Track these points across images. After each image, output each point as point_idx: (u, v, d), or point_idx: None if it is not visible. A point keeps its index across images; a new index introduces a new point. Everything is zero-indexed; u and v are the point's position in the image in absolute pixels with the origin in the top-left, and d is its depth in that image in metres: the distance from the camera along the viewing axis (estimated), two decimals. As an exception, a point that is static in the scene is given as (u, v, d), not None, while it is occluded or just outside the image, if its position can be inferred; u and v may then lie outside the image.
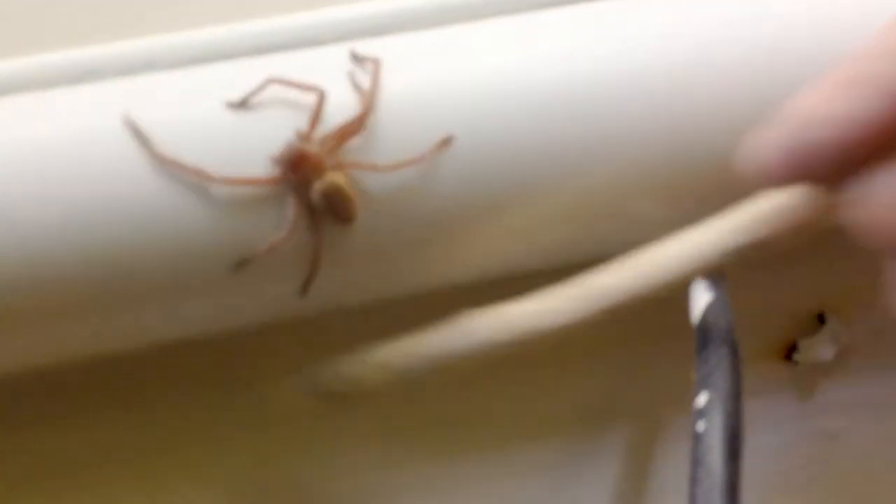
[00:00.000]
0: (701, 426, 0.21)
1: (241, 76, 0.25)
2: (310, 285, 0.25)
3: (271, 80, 0.24)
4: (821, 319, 0.31)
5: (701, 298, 0.25)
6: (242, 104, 0.24)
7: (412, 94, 0.25)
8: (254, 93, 0.24)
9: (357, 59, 0.25)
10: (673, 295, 0.22)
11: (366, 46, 0.26)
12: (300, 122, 0.24)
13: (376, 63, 0.25)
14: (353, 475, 0.31)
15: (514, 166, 0.25)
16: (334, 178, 0.23)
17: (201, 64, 0.27)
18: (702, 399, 0.22)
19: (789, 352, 0.32)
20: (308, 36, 0.29)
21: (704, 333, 0.23)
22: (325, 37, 0.29)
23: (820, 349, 0.30)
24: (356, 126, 0.24)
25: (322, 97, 0.24)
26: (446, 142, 0.24)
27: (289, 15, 0.29)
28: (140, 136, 0.23)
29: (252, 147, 0.24)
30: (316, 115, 0.24)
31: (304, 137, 0.24)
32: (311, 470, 0.31)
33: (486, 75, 0.25)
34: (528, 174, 0.25)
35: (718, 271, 0.25)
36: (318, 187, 0.23)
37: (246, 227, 0.24)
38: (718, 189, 0.25)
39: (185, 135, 0.24)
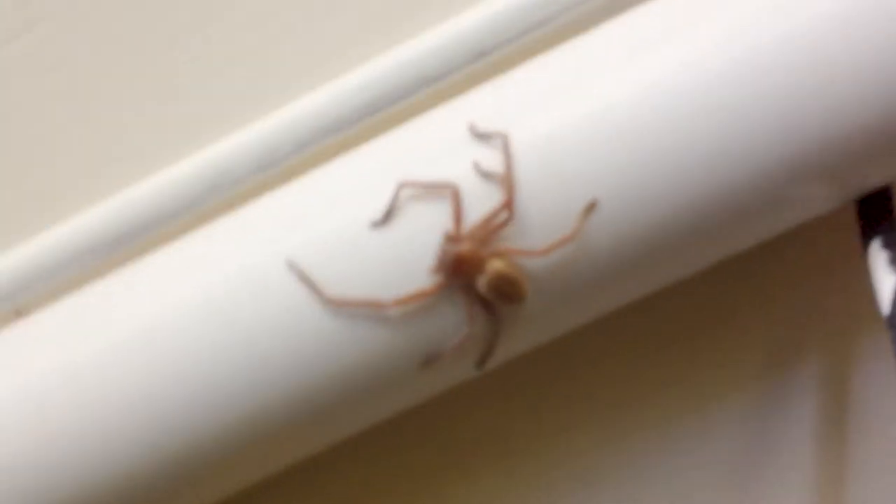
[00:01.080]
0: None
1: (362, 174, 0.26)
2: (487, 362, 0.26)
3: (403, 185, 0.24)
4: None
5: (886, 281, 0.24)
6: (385, 220, 0.25)
7: (541, 157, 0.24)
8: (392, 204, 0.24)
9: (479, 135, 0.25)
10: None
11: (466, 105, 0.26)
12: (442, 217, 0.24)
13: (505, 140, 0.24)
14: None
15: (664, 208, 0.24)
16: (496, 266, 0.24)
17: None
18: None
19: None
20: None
21: None
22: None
23: None
24: (503, 215, 0.24)
25: (457, 194, 0.24)
26: (591, 208, 0.24)
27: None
28: (307, 282, 0.24)
29: (407, 259, 0.24)
30: (457, 213, 0.24)
31: (454, 239, 0.24)
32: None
33: (611, 117, 0.24)
34: (677, 210, 0.24)
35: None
36: (483, 280, 0.24)
37: (425, 334, 0.25)
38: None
39: (338, 263, 0.25)
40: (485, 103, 0.26)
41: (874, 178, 0.26)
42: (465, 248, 0.24)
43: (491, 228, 0.24)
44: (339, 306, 0.24)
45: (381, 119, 0.29)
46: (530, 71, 0.27)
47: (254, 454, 0.26)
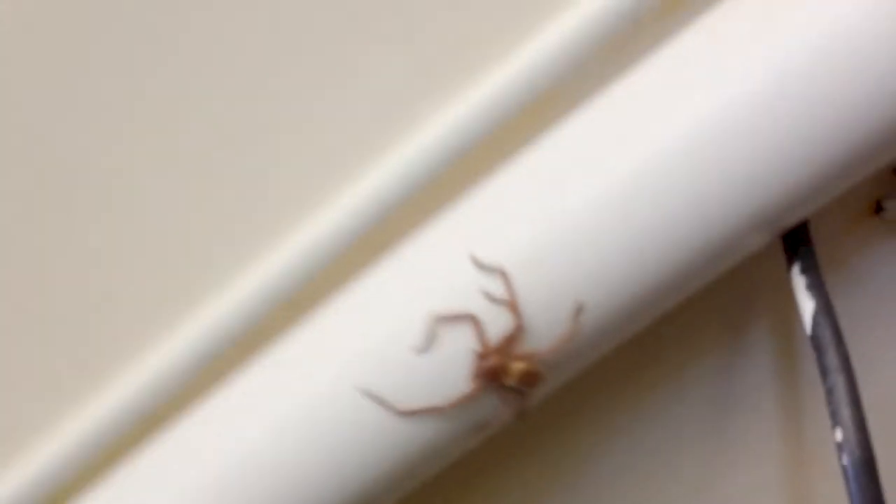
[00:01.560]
0: (844, 459, 0.30)
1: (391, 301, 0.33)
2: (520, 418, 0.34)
3: (438, 320, 0.31)
4: (896, 176, 0.37)
5: (806, 304, 0.32)
6: (427, 346, 0.32)
7: (531, 271, 0.31)
8: (429, 335, 0.32)
9: (481, 267, 0.31)
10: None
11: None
12: (465, 336, 0.31)
13: (504, 275, 0.31)
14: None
15: (637, 289, 0.32)
16: (519, 368, 0.31)
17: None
18: (838, 435, 0.30)
19: (877, 210, 0.38)
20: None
21: (820, 353, 0.31)
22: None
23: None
24: (518, 334, 0.31)
25: (475, 320, 0.31)
26: (579, 311, 0.31)
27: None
28: (379, 401, 0.32)
29: (448, 373, 0.32)
30: (479, 335, 0.31)
31: (483, 356, 0.31)
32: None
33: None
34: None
35: (816, 276, 0.32)
36: (511, 380, 0.31)
37: (472, 416, 0.33)
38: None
39: (391, 381, 0.32)
40: (473, 225, 0.33)
41: (797, 217, 0.33)
42: (493, 362, 0.31)
43: (509, 341, 0.31)
44: (409, 416, 0.32)
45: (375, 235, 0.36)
46: (503, 190, 0.33)
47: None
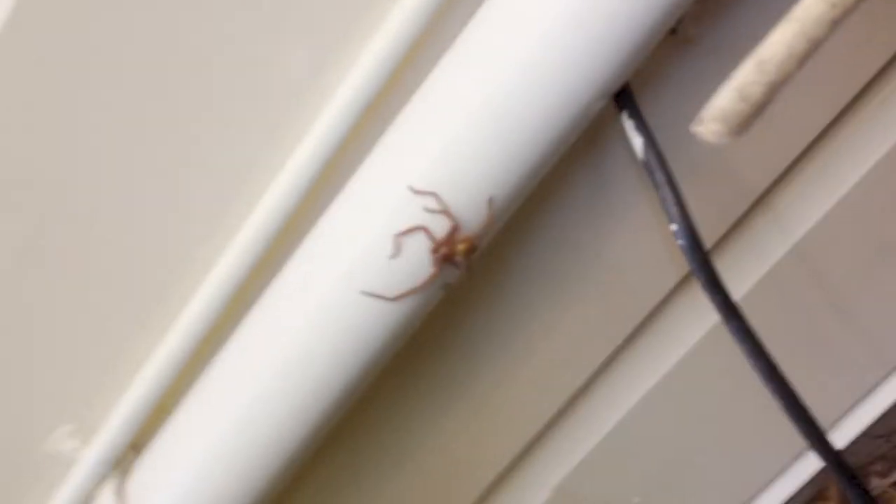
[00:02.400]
0: (679, 241, 0.45)
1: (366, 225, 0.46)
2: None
3: (399, 235, 0.45)
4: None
5: (635, 139, 0.46)
6: (396, 253, 0.45)
7: (452, 186, 0.45)
8: (396, 246, 0.45)
9: (417, 192, 0.44)
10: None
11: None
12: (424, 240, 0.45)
13: (436, 196, 0.44)
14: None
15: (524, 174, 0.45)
16: (463, 248, 0.46)
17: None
18: (673, 227, 0.45)
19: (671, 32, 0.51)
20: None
21: (651, 174, 0.45)
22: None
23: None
24: (456, 229, 0.45)
25: (426, 230, 0.45)
26: (491, 202, 0.45)
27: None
28: (377, 296, 0.46)
29: (417, 264, 0.46)
30: (432, 236, 0.45)
31: (436, 248, 0.45)
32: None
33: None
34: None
35: (639, 117, 0.46)
36: (460, 257, 0.46)
37: (440, 285, 0.47)
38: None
39: (380, 278, 0.46)
40: (406, 164, 0.45)
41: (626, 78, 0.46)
42: (443, 251, 0.45)
43: (451, 234, 0.45)
44: (400, 298, 0.47)
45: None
46: (418, 127, 0.45)
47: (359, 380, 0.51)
